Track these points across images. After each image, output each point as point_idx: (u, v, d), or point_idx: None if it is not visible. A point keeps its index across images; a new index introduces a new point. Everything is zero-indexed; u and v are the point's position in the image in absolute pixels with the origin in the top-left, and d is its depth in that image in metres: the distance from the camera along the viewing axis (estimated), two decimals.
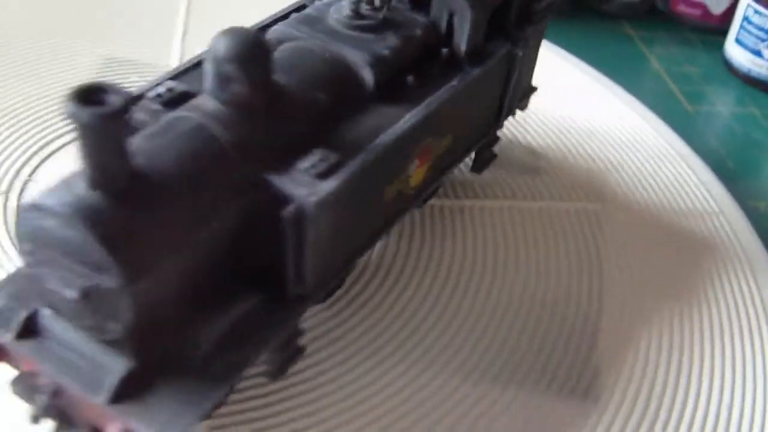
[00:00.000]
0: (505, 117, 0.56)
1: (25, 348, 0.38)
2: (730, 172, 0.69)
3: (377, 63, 0.44)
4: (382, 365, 0.48)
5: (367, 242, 0.45)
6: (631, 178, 0.64)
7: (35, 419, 0.38)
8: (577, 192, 0.62)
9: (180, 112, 0.39)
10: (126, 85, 0.62)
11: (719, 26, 0.87)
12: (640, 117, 0.72)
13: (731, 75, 0.83)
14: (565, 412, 0.47)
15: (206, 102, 0.39)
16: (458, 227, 0.58)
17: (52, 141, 0.59)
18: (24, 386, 0.39)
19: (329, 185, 0.39)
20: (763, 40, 0.79)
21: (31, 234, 0.35)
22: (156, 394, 0.36)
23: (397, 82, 0.45)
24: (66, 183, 0.34)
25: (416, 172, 0.47)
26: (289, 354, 0.43)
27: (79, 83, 0.32)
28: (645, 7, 0.91)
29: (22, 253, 0.36)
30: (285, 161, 0.39)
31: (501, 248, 0.57)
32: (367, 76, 0.44)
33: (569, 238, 0.58)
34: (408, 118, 0.44)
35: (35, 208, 0.34)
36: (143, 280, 0.34)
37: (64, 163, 0.55)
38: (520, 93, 0.57)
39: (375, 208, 0.44)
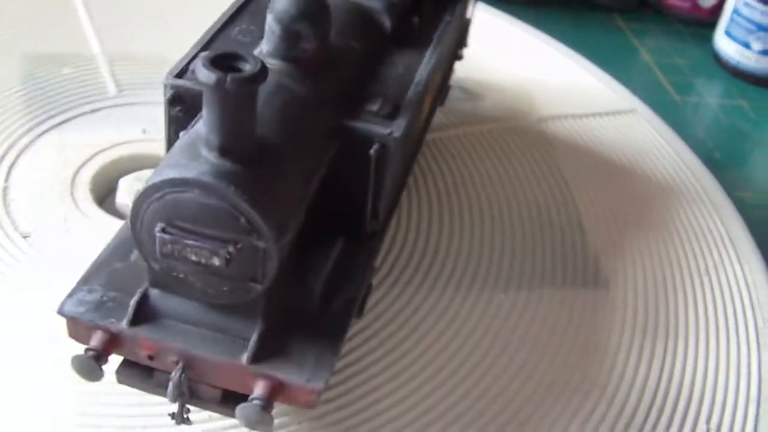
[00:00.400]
0: (462, 48, 0.60)
1: (145, 332, 0.38)
2: (718, 162, 0.70)
3: (391, 7, 0.47)
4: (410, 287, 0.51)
5: (404, 180, 0.48)
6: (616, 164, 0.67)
7: (175, 399, 0.38)
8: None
9: None
10: (65, 77, 0.61)
11: (709, 18, 0.89)
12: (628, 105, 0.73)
13: (720, 67, 0.84)
14: (585, 300, 0.52)
15: (268, 62, 0.40)
16: (429, 159, 0.61)
17: None
18: (136, 372, 0.39)
19: (401, 123, 0.41)
20: (751, 32, 0.80)
21: (166, 210, 0.35)
22: (292, 345, 0.38)
23: (406, 23, 0.48)
24: (190, 154, 0.35)
25: (427, 106, 0.50)
26: (366, 291, 0.45)
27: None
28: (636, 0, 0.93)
29: (151, 233, 0.35)
30: (351, 108, 0.41)
31: (474, 172, 0.61)
32: (385, 20, 0.47)
33: (528, 154, 0.63)
34: (430, 56, 0.47)
35: (172, 183, 0.34)
36: (286, 236, 0.35)
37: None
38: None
39: (410, 145, 0.47)
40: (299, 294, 0.39)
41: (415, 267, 0.53)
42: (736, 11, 0.82)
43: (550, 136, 0.66)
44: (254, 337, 0.37)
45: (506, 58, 0.74)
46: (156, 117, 0.49)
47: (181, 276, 0.36)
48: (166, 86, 0.42)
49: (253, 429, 0.37)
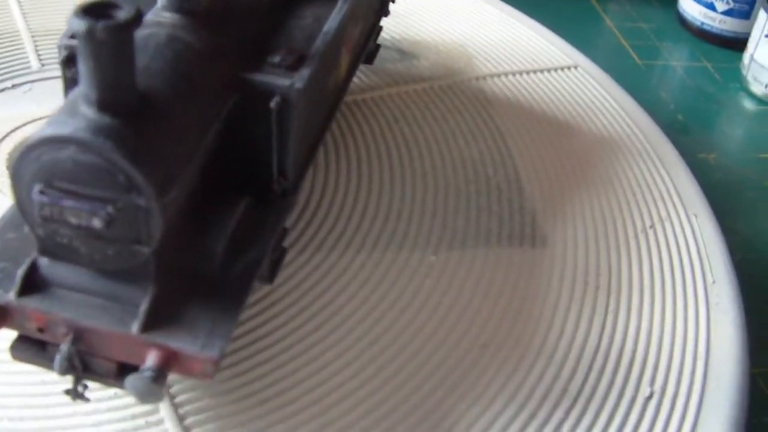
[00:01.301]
0: (387, 3, 0.58)
1: (33, 303, 0.35)
2: (681, 125, 0.70)
3: None
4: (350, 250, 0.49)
5: (318, 137, 0.46)
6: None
7: (64, 372, 0.36)
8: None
9: (143, 30, 0.37)
10: None
11: None
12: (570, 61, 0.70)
13: (684, 30, 0.84)
14: (522, 259, 0.50)
15: (162, 16, 0.38)
16: (360, 119, 0.59)
17: None
18: (30, 347, 0.37)
19: (304, 74, 0.39)
20: None
21: (43, 171, 0.33)
22: (186, 312, 0.36)
23: None
24: (69, 111, 0.33)
25: (344, 61, 0.47)
26: (278, 255, 0.43)
27: None
28: None
29: (30, 197, 0.33)
30: (253, 60, 0.39)
31: (407, 130, 0.58)
32: None
33: (465, 113, 0.61)
34: (341, 6, 0.44)
35: (48, 141, 0.32)
36: (170, 194, 0.33)
37: None
38: None
39: (323, 100, 0.45)
40: (197, 256, 0.37)
41: (342, 228, 0.50)
42: None
43: (488, 94, 0.63)
44: (144, 305, 0.35)
45: (444, 18, 0.72)
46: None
47: (65, 241, 0.34)
48: (60, 47, 0.40)
49: (144, 401, 0.34)
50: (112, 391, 0.41)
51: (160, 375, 0.34)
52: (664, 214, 0.55)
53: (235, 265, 0.38)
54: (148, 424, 0.40)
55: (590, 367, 0.45)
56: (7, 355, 0.41)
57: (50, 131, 0.32)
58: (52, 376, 0.40)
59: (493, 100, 0.63)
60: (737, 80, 0.77)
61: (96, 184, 0.32)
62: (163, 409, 0.41)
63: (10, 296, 0.35)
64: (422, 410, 0.42)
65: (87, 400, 0.38)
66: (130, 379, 0.34)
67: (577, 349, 0.46)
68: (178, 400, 0.41)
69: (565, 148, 0.59)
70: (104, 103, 0.32)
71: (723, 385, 0.45)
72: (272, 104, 0.38)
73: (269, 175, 0.41)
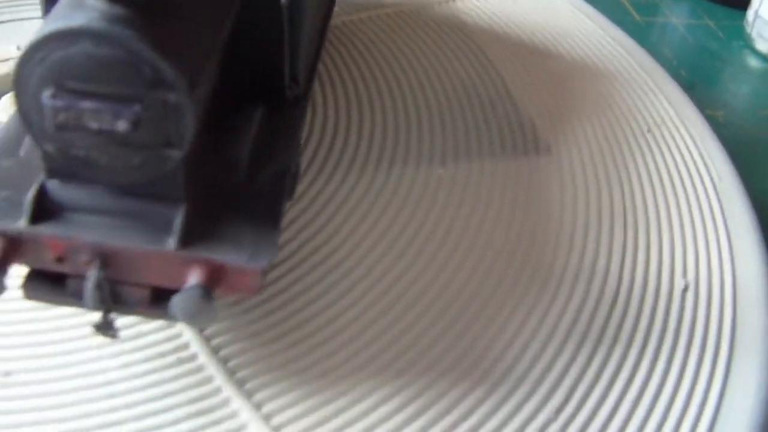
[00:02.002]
0: None
1: (48, 229, 0.32)
2: (685, 80, 0.67)
3: None
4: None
5: (318, 46, 0.43)
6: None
7: (95, 304, 0.32)
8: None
9: None
10: None
11: None
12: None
13: None
14: (530, 167, 0.48)
15: None
16: (336, 44, 0.56)
17: None
18: (44, 284, 0.33)
19: None
20: None
21: (53, 72, 0.29)
22: (223, 224, 0.33)
23: None
24: (72, 4, 0.29)
25: None
26: (296, 169, 0.40)
27: None
28: None
29: (39, 104, 0.30)
30: None
31: (386, 51, 0.56)
32: None
33: (441, 33, 0.59)
34: None
35: (56, 36, 0.28)
36: (199, 87, 0.30)
37: None
38: None
39: (320, 9, 0.43)
40: (222, 164, 0.34)
41: (341, 149, 0.48)
42: None
43: (462, 16, 0.61)
44: (179, 217, 0.32)
45: None
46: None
47: (81, 154, 0.31)
48: None
49: (194, 323, 0.31)
50: (135, 329, 0.38)
51: (208, 292, 0.31)
52: (658, 119, 0.54)
53: (261, 174, 0.35)
54: (180, 361, 0.37)
55: (622, 262, 0.44)
56: (14, 303, 0.37)
57: (57, 25, 0.28)
58: (69, 319, 0.37)
59: (467, 21, 0.61)
60: (741, 38, 0.75)
61: (117, 82, 0.29)
62: (194, 343, 0.38)
63: (21, 224, 0.32)
64: (458, 326, 0.40)
65: (116, 335, 0.34)
66: (176, 301, 0.31)
67: (605, 244, 0.45)
68: (208, 332, 0.38)
69: (550, 67, 0.58)
70: None
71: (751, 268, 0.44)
72: (283, 0, 0.35)
73: (281, 81, 0.38)
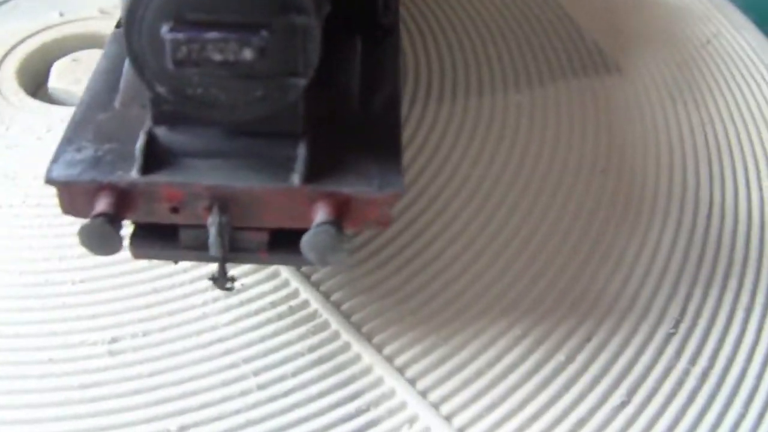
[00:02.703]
0: None
1: (164, 177, 0.30)
2: None
3: None
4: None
5: None
6: None
7: (222, 252, 0.30)
8: None
9: None
10: None
11: None
12: None
13: None
14: (604, 86, 0.47)
15: None
16: None
17: None
18: (154, 239, 0.31)
19: None
20: None
21: (168, 4, 0.27)
22: (343, 156, 0.31)
23: None
24: None
25: None
26: None
27: None
28: None
29: (157, 39, 0.28)
30: None
31: None
32: None
33: None
34: None
35: None
36: (322, 11, 0.28)
37: None
38: None
39: None
40: (334, 95, 0.32)
41: (413, 82, 0.46)
42: None
43: None
44: (302, 151, 0.30)
45: None
46: None
47: (199, 92, 0.29)
48: None
49: (327, 262, 0.29)
50: (238, 282, 0.36)
51: (340, 228, 0.29)
52: (715, 29, 0.53)
53: (372, 103, 0.33)
54: (293, 309, 0.36)
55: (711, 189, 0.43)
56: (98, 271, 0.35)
57: None
58: (169, 279, 0.36)
59: None
60: None
61: (242, 8, 0.27)
62: (304, 291, 0.36)
63: (134, 175, 0.29)
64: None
65: (233, 287, 0.33)
66: (307, 238, 0.29)
67: (690, 151, 0.43)
68: (314, 278, 0.36)
69: None
70: None
71: None
72: None
73: (375, 10, 0.36)
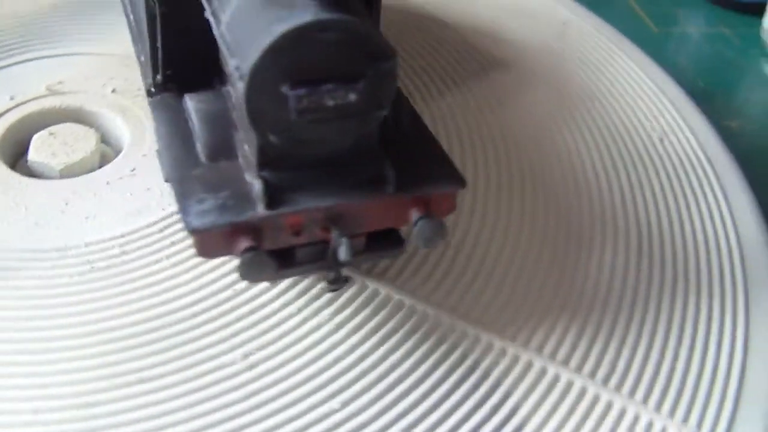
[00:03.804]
0: None
1: (286, 208, 0.36)
2: (701, 91, 0.66)
3: None
4: None
5: None
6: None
7: (351, 259, 0.37)
8: None
9: None
10: None
11: None
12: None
13: None
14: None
15: None
16: None
17: None
18: (267, 264, 0.37)
19: None
20: None
21: (288, 66, 0.34)
22: (409, 162, 0.38)
23: None
24: (284, 4, 0.34)
25: None
26: None
27: None
28: None
29: (280, 98, 0.34)
30: None
31: None
32: None
33: None
34: None
35: (289, 37, 0.33)
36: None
37: None
38: None
39: None
40: None
41: None
42: None
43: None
44: (387, 166, 0.37)
45: None
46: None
47: (310, 135, 0.35)
48: None
49: (431, 245, 0.37)
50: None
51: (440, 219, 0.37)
52: (667, 129, 0.57)
53: (401, 121, 0.41)
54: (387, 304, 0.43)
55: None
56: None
57: (287, 26, 0.33)
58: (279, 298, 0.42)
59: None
60: (757, 46, 0.73)
61: (345, 61, 0.34)
62: (383, 288, 0.44)
63: (261, 211, 0.36)
64: None
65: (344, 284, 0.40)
66: (420, 231, 0.37)
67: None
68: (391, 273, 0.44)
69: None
70: None
71: None
72: None
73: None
